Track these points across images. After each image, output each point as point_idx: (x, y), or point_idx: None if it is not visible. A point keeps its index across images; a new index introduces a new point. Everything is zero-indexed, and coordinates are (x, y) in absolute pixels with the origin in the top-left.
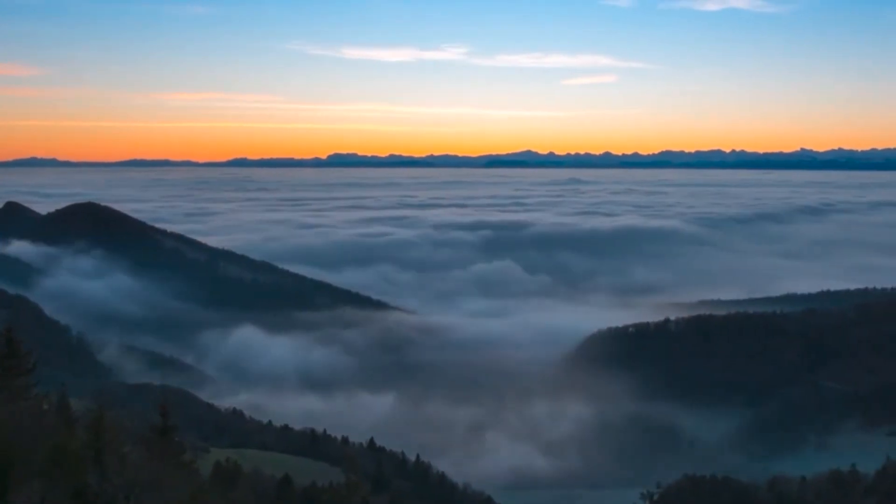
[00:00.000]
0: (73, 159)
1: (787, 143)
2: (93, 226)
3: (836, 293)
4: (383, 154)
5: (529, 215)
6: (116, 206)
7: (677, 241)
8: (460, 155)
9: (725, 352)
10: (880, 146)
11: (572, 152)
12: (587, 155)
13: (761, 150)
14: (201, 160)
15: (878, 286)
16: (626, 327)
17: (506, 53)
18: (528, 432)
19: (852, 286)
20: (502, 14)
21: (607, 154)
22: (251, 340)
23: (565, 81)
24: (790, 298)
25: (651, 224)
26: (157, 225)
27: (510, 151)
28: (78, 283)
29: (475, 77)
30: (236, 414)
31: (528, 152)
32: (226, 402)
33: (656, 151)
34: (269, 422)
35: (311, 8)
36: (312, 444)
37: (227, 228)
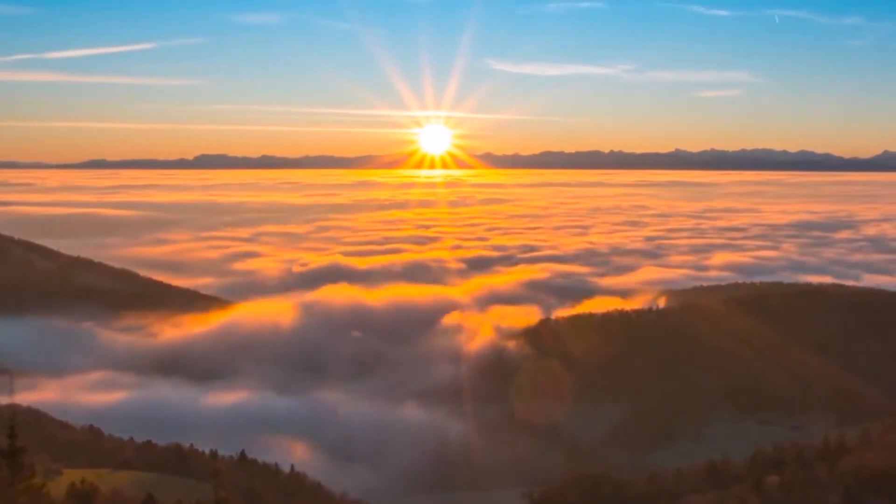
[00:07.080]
0: None
1: (663, 144)
2: None
3: (709, 288)
4: (255, 155)
5: None
6: None
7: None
8: (337, 156)
9: (604, 349)
10: (749, 147)
11: None
12: None
13: (638, 151)
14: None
15: (748, 280)
16: (508, 328)
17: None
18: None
19: (723, 282)
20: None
21: (487, 154)
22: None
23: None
24: (665, 294)
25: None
26: None
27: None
28: None
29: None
30: (93, 431)
31: None
32: (83, 421)
33: (537, 152)
34: (131, 438)
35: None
36: (179, 459)
37: None
